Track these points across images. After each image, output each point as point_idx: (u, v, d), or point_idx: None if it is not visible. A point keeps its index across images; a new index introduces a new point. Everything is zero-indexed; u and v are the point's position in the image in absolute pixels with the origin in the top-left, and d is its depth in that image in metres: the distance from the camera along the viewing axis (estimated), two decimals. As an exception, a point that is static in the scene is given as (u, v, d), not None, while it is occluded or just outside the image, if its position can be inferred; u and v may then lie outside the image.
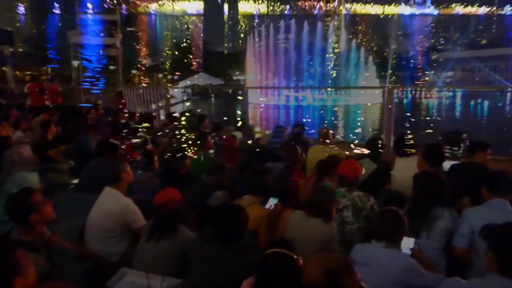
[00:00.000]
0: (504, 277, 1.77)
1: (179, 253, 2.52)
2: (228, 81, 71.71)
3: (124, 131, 5.85)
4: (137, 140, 5.41)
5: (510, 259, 1.77)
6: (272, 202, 3.21)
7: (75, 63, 34.74)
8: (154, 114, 10.15)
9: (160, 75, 69.17)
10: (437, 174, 3.19)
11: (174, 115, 7.81)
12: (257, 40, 51.95)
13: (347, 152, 5.04)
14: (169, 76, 70.50)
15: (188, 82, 49.42)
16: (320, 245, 2.74)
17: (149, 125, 6.34)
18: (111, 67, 38.06)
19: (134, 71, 69.84)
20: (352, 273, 1.49)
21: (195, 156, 4.54)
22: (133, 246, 2.95)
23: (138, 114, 8.10)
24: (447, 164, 4.17)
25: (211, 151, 4.99)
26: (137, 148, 4.86)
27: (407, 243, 2.40)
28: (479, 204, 2.95)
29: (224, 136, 5.81)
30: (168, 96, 11.01)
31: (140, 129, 6.18)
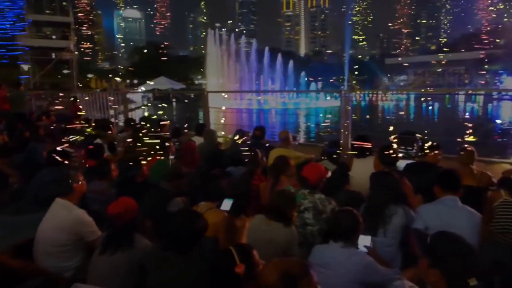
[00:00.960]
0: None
1: (136, 264, 2.42)
2: (190, 85, 70.90)
3: (77, 137, 5.58)
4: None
5: (461, 278, 1.66)
6: (227, 203, 3.16)
7: (25, 67, 32.81)
8: (112, 120, 9.82)
9: (119, 80, 67.09)
10: (391, 173, 3.31)
11: (133, 120, 7.58)
12: (218, 43, 51.87)
13: (312, 155, 5.13)
14: (128, 81, 68.56)
15: (150, 86, 48.29)
16: (280, 248, 2.75)
17: (106, 131, 6.10)
18: (65, 71, 36.38)
19: (90, 75, 67.20)
20: (309, 277, 1.50)
21: (156, 163, 4.42)
22: (88, 260, 2.80)
23: (93, 120, 7.78)
24: (403, 163, 4.37)
25: (172, 157, 4.87)
26: (91, 155, 4.63)
27: (364, 241, 2.45)
28: (431, 201, 3.10)
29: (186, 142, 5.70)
30: (127, 101, 10.68)
31: (96, 135, 5.93)
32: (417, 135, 5.26)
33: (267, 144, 5.47)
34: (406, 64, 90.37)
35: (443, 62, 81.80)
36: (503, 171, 4.31)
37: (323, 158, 4.65)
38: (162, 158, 4.49)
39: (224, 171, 4.51)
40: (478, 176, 3.97)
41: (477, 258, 1.73)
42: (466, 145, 4.14)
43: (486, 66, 71.13)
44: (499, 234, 2.91)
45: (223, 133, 8.48)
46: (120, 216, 2.57)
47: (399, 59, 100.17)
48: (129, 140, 5.97)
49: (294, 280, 1.45)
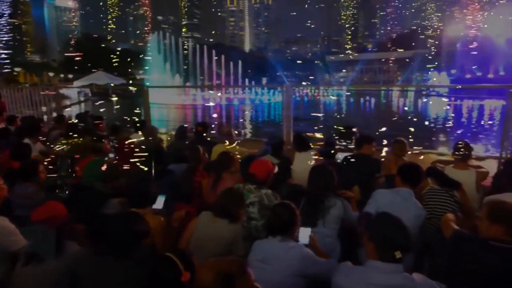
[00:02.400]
0: (382, 262, 1.94)
1: (67, 273, 2.23)
2: (132, 80, 67.98)
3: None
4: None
5: (390, 249, 1.94)
6: (159, 201, 3.04)
7: None
8: (44, 117, 9.08)
9: (51, 74, 62.32)
10: (330, 166, 3.42)
11: (65, 117, 7.06)
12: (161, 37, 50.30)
13: (256, 150, 5.14)
14: (62, 75, 63.96)
15: (86, 81, 45.51)
16: (225, 245, 2.72)
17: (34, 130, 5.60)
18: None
19: (18, 69, 61.64)
20: (246, 275, 1.48)
21: (90, 163, 4.13)
22: (12, 272, 2.54)
23: (20, 118, 7.11)
24: (341, 156, 4.55)
25: (109, 156, 4.60)
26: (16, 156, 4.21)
27: (304, 234, 2.49)
28: (368, 192, 3.26)
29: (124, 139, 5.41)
30: (61, 97, 9.92)
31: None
32: (354, 128, 5.51)
33: (209, 139, 5.38)
34: (346, 61, 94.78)
35: (380, 59, 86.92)
36: (431, 161, 4.67)
37: (266, 153, 4.68)
38: (97, 157, 4.21)
39: (165, 169, 4.37)
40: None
41: (408, 237, 1.99)
42: (398, 138, 4.41)
43: (413, 64, 76.79)
44: (426, 220, 3.12)
45: (165, 129, 8.24)
46: (46, 222, 2.35)
47: (340, 56, 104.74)
48: (61, 138, 5.55)
49: (230, 279, 1.42)
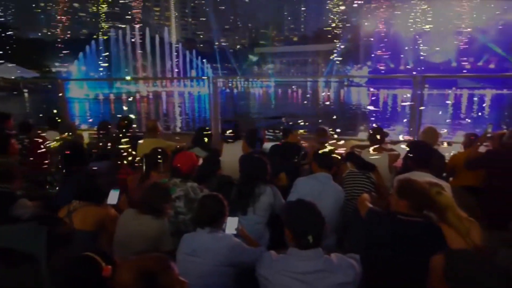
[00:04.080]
0: (301, 249, 2.00)
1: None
2: (46, 73, 61.98)
3: None
4: None
5: (303, 235, 1.99)
6: (113, 195, 2.97)
7: None
8: None
9: None
10: (259, 155, 3.49)
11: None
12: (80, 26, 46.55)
13: (184, 143, 5.02)
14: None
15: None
16: (151, 242, 2.64)
17: None
18: None
19: None
20: (169, 270, 1.44)
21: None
22: None
23: None
24: (269, 145, 4.68)
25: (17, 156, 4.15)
26: None
27: (232, 224, 2.51)
28: (295, 178, 3.40)
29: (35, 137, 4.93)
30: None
31: None
32: (283, 118, 5.68)
33: (133, 134, 5.14)
34: (274, 53, 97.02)
35: (306, 52, 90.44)
36: (351, 146, 5.00)
37: (194, 146, 4.62)
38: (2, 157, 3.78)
39: (86, 167, 4.08)
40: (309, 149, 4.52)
41: (321, 222, 2.04)
42: (320, 126, 4.64)
43: (333, 56, 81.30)
44: (347, 202, 3.35)
45: (85, 125, 7.69)
46: None
47: (267, 48, 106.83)
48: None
49: (152, 276, 1.37)
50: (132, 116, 5.49)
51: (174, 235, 2.88)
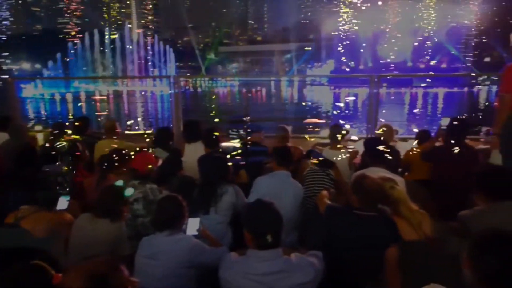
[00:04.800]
0: (260, 250, 1.99)
1: None
2: (-5, 71, 58.23)
3: None
4: None
5: (260, 235, 1.98)
6: (63, 201, 2.83)
7: None
8: None
9: None
10: (218, 155, 3.48)
11: None
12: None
13: (145, 144, 4.88)
14: None
15: None
16: (108, 246, 2.56)
17: None
18: None
19: None
20: (118, 272, 1.40)
21: None
22: None
23: None
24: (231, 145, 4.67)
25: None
26: None
27: (193, 224, 2.47)
28: (256, 176, 3.41)
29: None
30: None
31: None
32: (247, 118, 5.67)
33: (90, 135, 4.95)
34: (237, 52, 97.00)
35: (269, 51, 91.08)
36: (312, 144, 5.10)
37: (154, 146, 4.52)
38: None
39: (38, 170, 3.88)
40: (292, 151, 4.58)
41: (279, 221, 2.03)
42: (281, 125, 4.70)
43: (294, 55, 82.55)
44: (308, 199, 3.41)
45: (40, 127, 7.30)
46: None
47: (231, 47, 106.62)
48: None
49: (102, 279, 1.33)
50: (87, 116, 5.28)
51: (133, 238, 2.81)
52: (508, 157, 3.55)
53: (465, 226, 2.48)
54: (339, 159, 4.03)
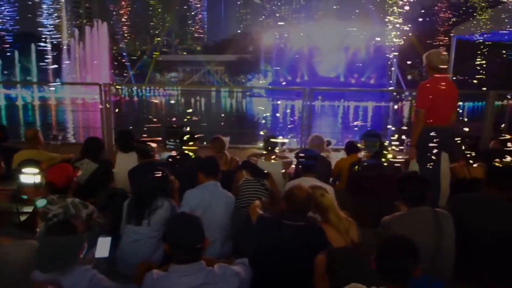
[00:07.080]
0: (182, 264, 1.97)
1: None
2: None
3: None
4: None
5: (180, 249, 1.98)
6: None
7: None
8: None
9: None
10: (153, 167, 3.36)
11: None
12: None
13: (72, 154, 4.55)
14: None
15: None
16: (18, 268, 2.29)
17: None
18: None
19: None
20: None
21: None
22: None
23: None
24: (166, 155, 4.55)
25: None
26: None
27: (103, 245, 2.24)
28: (193, 186, 3.34)
29: None
30: None
31: None
32: (184, 128, 5.55)
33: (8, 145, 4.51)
34: (177, 61, 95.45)
35: (209, 61, 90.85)
36: (248, 154, 5.15)
37: (83, 157, 4.23)
38: None
39: None
40: (229, 161, 4.60)
41: (200, 232, 2.02)
42: (217, 135, 4.69)
43: (238, 66, 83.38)
44: (243, 209, 3.43)
45: None
46: None
47: (170, 56, 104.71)
48: None
49: None
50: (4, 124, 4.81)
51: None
52: (423, 166, 3.90)
53: (387, 231, 2.66)
54: (273, 169, 4.13)
